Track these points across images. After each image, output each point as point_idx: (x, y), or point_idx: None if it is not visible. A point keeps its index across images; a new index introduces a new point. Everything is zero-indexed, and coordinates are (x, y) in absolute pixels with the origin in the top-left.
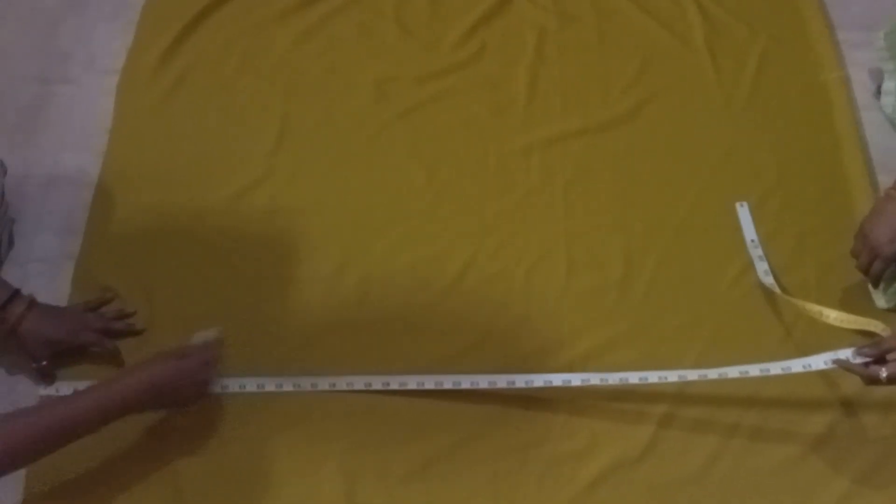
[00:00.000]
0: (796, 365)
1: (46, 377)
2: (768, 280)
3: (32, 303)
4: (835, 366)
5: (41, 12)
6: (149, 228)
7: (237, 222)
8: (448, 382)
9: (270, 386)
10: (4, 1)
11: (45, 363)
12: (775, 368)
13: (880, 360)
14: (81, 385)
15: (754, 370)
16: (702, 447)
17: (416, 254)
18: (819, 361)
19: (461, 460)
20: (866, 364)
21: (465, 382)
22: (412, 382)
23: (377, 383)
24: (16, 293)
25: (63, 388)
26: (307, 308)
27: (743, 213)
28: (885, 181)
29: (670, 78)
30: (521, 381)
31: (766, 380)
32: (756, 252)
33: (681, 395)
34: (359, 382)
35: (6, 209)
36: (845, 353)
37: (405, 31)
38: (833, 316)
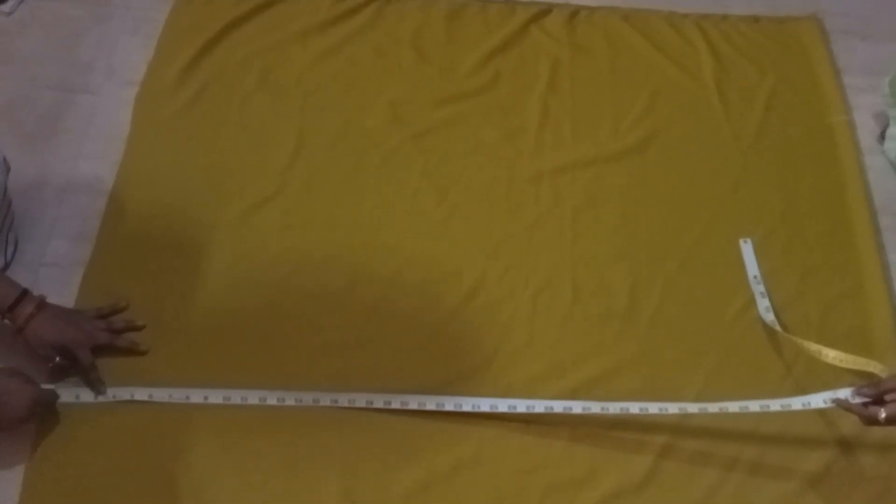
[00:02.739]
0: (796, 403)
1: (58, 377)
2: (769, 317)
3: (41, 304)
4: (834, 405)
5: (65, 22)
6: (160, 239)
7: (249, 236)
8: (450, 404)
9: (272, 399)
10: (29, 10)
11: (58, 359)
12: (775, 405)
13: (879, 400)
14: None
15: (754, 406)
16: (701, 480)
17: (425, 274)
18: (818, 400)
19: (460, 483)
20: (865, 404)
21: (467, 405)
22: (413, 402)
23: (378, 402)
24: (24, 293)
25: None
26: (315, 324)
27: (746, 249)
28: (886, 224)
29: (679, 113)
30: (522, 405)
31: (765, 416)
32: (758, 288)
33: (680, 427)
34: (360, 400)
35: (10, 205)
36: (844, 393)
37: (421, 56)
38: (832, 355)
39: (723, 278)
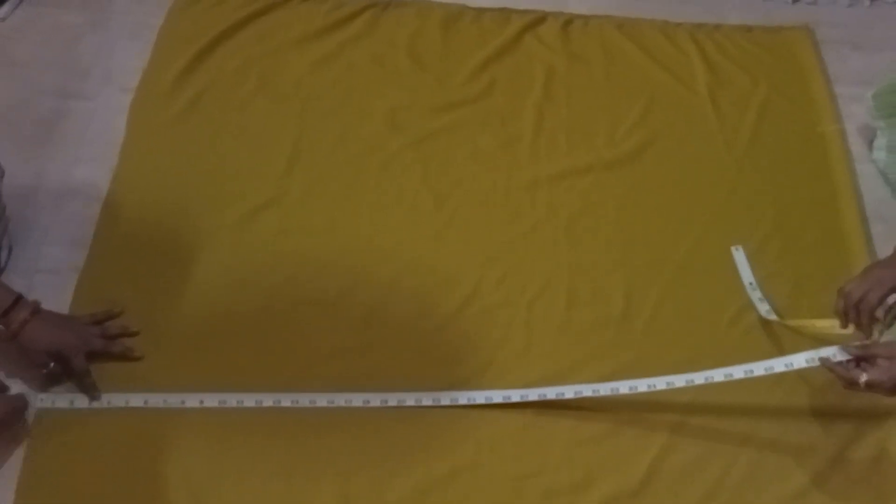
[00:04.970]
0: (778, 364)
1: (53, 383)
2: (772, 317)
3: (36, 309)
4: (817, 363)
5: (63, 28)
6: (156, 245)
7: (246, 242)
8: (445, 399)
9: (268, 402)
10: (27, 16)
11: (52, 365)
12: (758, 369)
13: (864, 362)
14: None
15: (738, 372)
16: (698, 483)
17: (421, 281)
18: (801, 360)
19: (457, 489)
20: (848, 367)
21: (462, 399)
22: (410, 399)
23: (375, 400)
24: (18, 299)
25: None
26: (311, 330)
27: (739, 256)
28: (878, 231)
29: (673, 122)
30: (516, 395)
31: (761, 418)
32: (755, 294)
33: (677, 430)
34: (357, 399)
35: (4, 210)
36: (830, 351)
37: (418, 64)
38: (831, 324)
39: (717, 285)
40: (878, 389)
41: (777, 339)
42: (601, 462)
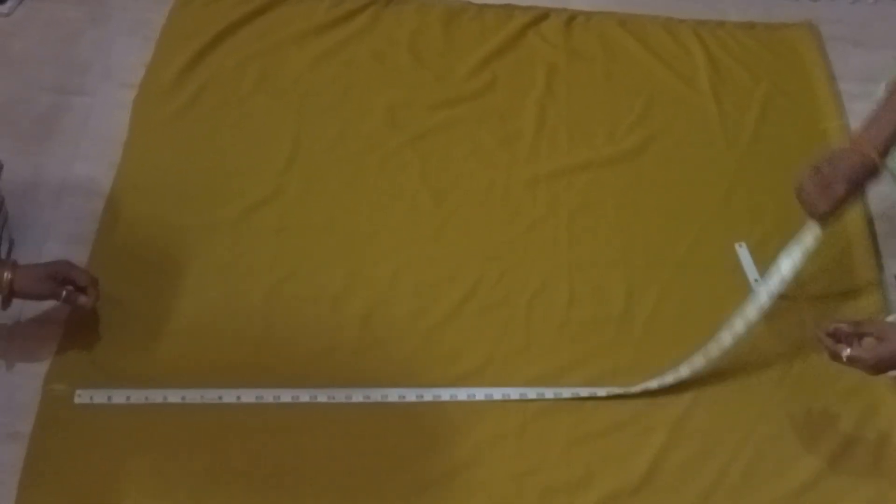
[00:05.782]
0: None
1: (76, 305)
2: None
3: (16, 265)
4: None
5: (62, 24)
6: (157, 241)
7: (245, 239)
8: (445, 395)
9: (268, 398)
10: (27, 12)
11: (70, 288)
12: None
13: (852, 338)
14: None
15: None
16: (698, 481)
17: (421, 278)
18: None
19: (457, 487)
20: (837, 340)
21: (461, 395)
22: (411, 395)
23: (375, 396)
24: None
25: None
26: (310, 327)
27: (743, 253)
28: (882, 229)
29: (675, 118)
30: (514, 393)
31: (761, 415)
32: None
33: (677, 428)
34: (357, 395)
35: (2, 202)
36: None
37: (418, 61)
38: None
39: (717, 282)
40: (859, 365)
41: (778, 337)
42: (601, 459)
